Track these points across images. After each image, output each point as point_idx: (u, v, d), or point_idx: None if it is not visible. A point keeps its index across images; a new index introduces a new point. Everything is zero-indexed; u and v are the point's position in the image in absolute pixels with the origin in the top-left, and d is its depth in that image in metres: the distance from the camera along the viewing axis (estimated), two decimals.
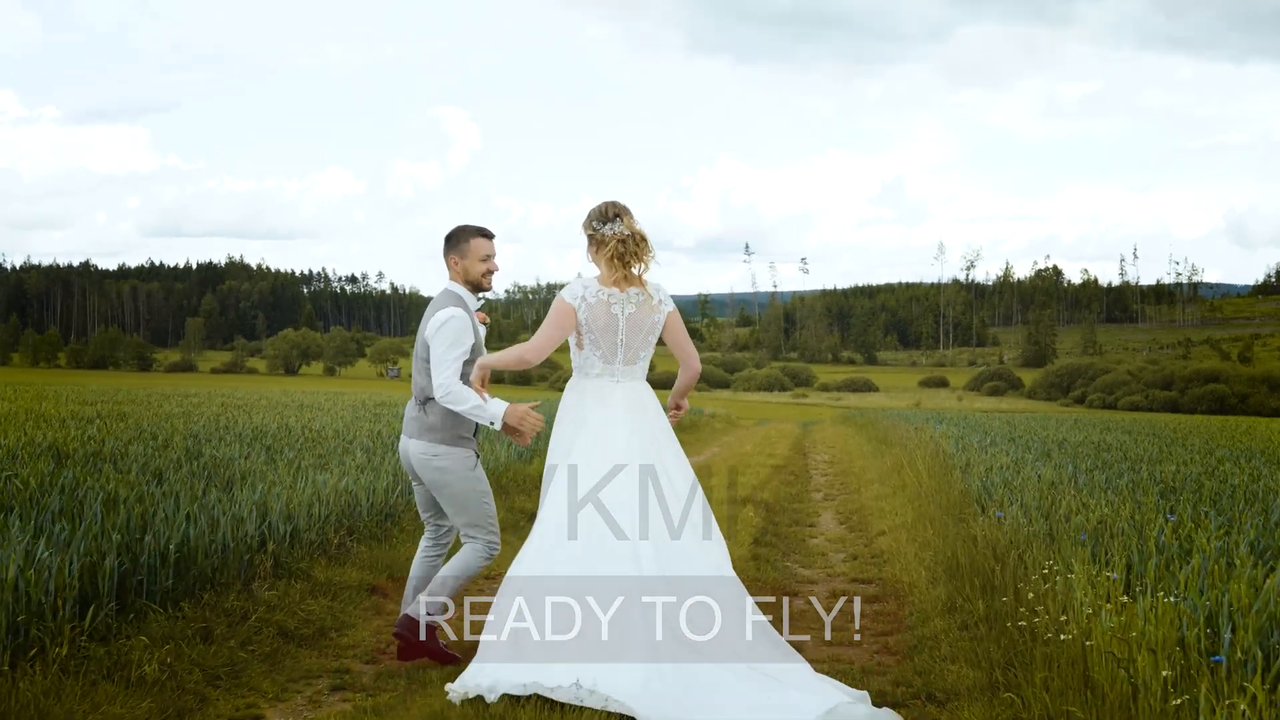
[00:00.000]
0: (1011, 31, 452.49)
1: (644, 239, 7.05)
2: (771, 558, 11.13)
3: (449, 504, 7.50)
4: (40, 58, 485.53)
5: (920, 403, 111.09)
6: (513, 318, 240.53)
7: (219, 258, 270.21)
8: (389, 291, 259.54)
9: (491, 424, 7.16)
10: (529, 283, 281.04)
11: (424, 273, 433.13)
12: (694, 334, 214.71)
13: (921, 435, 20.67)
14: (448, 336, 7.27)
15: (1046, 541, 8.37)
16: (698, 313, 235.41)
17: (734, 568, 7.06)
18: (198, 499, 9.00)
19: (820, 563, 11.39)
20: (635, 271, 7.07)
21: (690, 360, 7.30)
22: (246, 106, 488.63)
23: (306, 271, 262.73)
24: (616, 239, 6.99)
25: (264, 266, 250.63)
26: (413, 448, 7.50)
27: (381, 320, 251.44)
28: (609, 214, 7.04)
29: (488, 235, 7.61)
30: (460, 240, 7.56)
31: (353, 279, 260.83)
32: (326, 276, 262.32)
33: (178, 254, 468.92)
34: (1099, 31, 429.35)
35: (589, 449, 6.87)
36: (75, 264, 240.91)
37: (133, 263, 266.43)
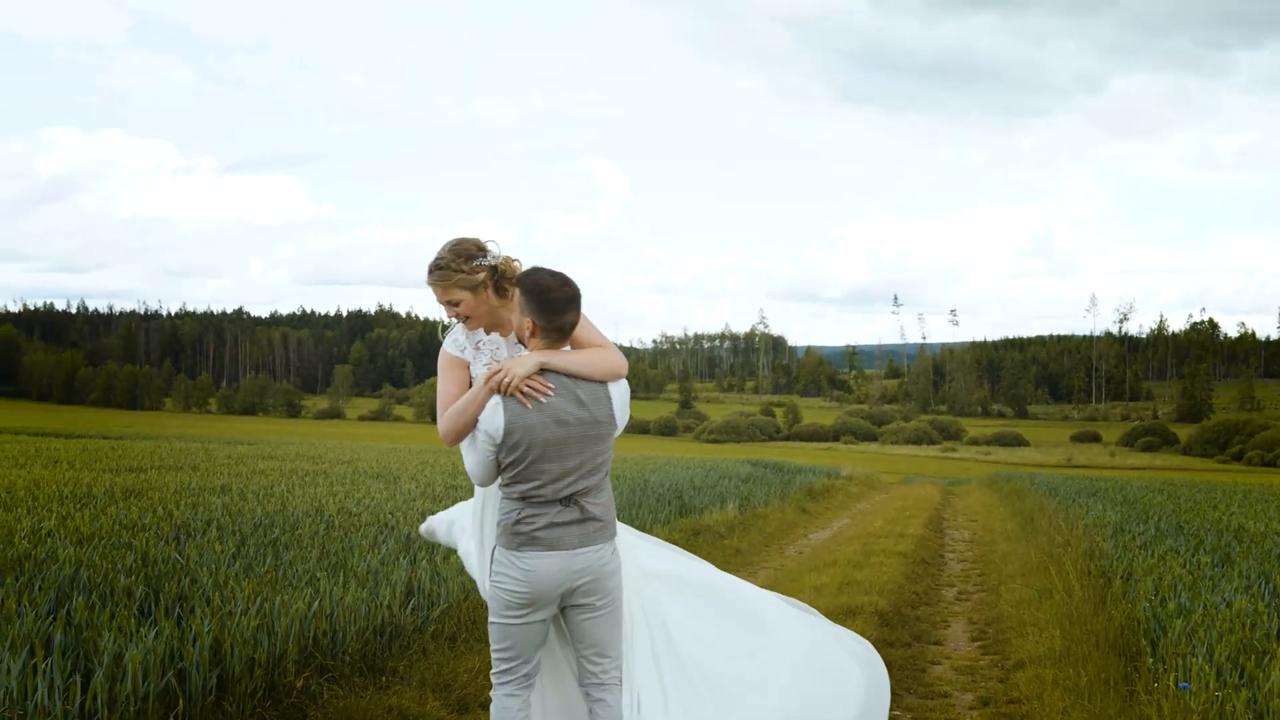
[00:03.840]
0: (1165, 82, 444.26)
1: None
2: None
3: (612, 631, 5.74)
4: (198, 110, 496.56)
5: (1072, 458, 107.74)
6: (660, 368, 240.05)
7: (369, 306, 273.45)
8: None
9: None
10: (676, 333, 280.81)
11: None
12: (841, 385, 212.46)
13: (1073, 520, 17.90)
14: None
15: None
16: (845, 364, 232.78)
17: None
18: (84, 644, 6.72)
19: (940, 711, 8.89)
20: None
21: None
22: (399, 158, 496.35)
23: (453, 321, 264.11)
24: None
25: (413, 315, 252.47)
26: (595, 559, 5.60)
27: None
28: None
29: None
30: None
31: None
32: None
33: (329, 302, 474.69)
34: (1255, 81, 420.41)
35: None
36: (228, 311, 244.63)
37: (284, 310, 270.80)
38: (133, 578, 8.67)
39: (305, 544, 11.38)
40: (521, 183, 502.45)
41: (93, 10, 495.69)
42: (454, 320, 5.95)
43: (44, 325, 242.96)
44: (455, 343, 5.82)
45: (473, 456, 5.55)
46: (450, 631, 9.49)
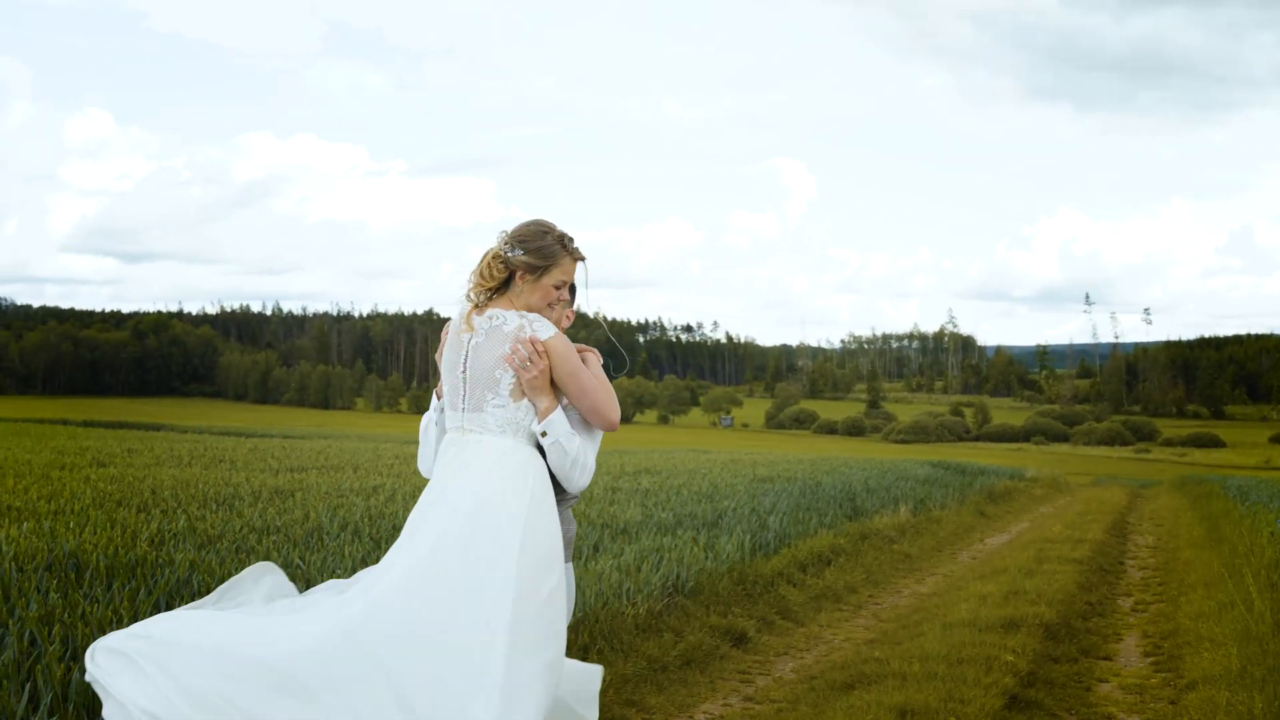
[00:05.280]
0: None
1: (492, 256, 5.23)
2: None
3: None
4: (389, 114, 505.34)
5: (1270, 460, 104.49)
6: (848, 368, 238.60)
7: None
8: (724, 341, 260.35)
9: None
10: (864, 333, 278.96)
11: (760, 323, 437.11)
12: (1032, 385, 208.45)
13: (1259, 527, 16.96)
14: None
15: None
16: (1036, 364, 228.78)
17: None
18: None
19: None
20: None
21: (593, 414, 5.19)
22: (586, 160, 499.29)
23: (642, 320, 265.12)
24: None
25: (601, 315, 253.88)
26: None
27: (716, 369, 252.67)
28: None
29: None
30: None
31: (688, 328, 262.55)
32: (662, 325, 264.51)
33: None
34: None
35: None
36: (419, 312, 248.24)
37: None
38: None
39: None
40: (709, 183, 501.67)
41: (287, 19, 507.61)
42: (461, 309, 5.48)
43: (240, 327, 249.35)
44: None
45: (595, 444, 5.24)
46: (583, 643, 9.12)
